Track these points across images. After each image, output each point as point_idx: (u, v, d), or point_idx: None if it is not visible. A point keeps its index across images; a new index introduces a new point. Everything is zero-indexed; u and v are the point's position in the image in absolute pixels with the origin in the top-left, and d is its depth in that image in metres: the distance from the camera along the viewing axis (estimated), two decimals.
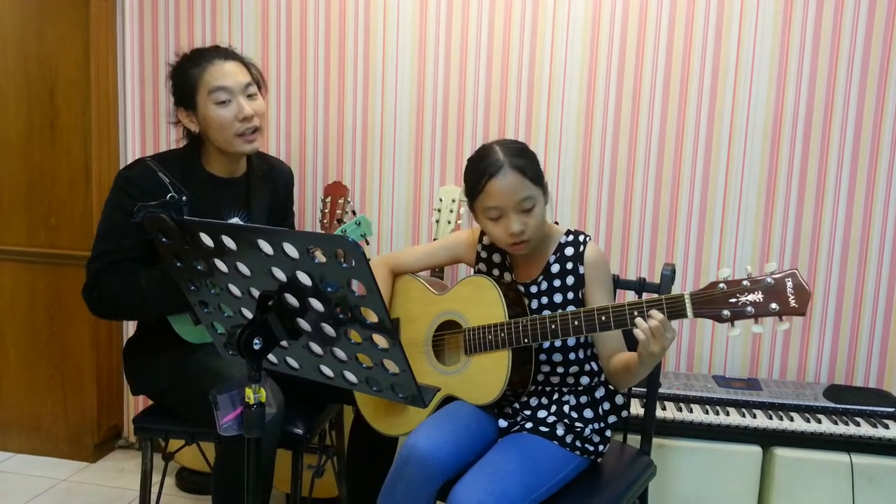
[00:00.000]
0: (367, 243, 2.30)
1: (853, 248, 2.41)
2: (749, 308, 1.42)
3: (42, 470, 2.78)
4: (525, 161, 1.66)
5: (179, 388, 1.90)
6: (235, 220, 1.99)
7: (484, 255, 1.85)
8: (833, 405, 2.21)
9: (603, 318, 1.57)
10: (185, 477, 2.65)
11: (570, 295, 1.73)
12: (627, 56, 2.43)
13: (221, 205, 1.98)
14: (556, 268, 1.74)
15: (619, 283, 1.96)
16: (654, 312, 1.48)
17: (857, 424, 2.14)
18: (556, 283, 1.74)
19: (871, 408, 2.20)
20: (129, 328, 2.86)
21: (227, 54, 1.94)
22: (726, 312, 1.43)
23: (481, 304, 1.73)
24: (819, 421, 2.16)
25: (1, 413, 2.90)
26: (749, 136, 2.41)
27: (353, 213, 2.46)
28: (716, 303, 1.44)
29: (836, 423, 2.15)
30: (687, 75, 2.41)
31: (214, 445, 2.25)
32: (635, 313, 1.52)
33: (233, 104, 1.89)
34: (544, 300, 1.74)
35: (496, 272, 1.84)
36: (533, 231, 1.68)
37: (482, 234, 1.84)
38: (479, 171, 1.67)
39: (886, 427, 2.13)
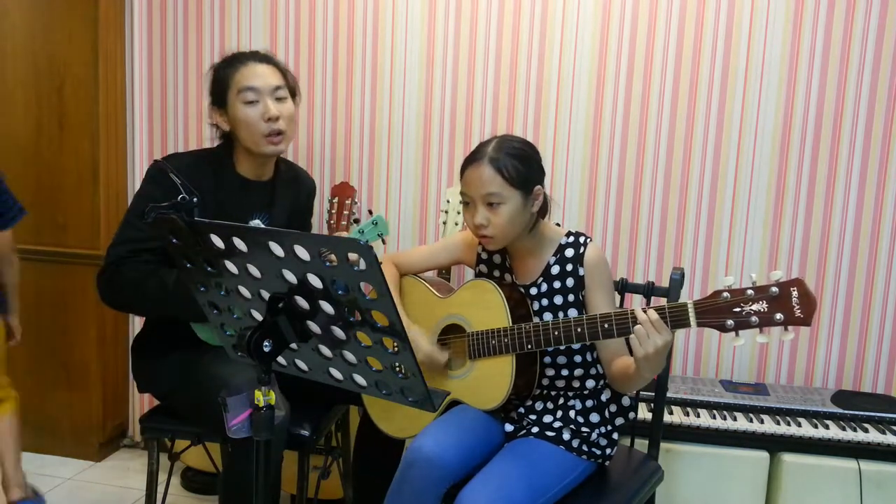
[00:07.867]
0: (385, 243, 2.30)
1: (862, 253, 2.40)
2: (753, 318, 1.39)
3: (47, 468, 2.79)
4: (510, 161, 1.65)
5: (186, 392, 1.89)
6: (257, 222, 2.01)
7: (484, 256, 1.85)
8: (841, 411, 2.20)
9: (606, 325, 1.56)
10: (191, 477, 2.65)
11: (571, 297, 1.72)
12: (636, 60, 2.43)
13: (248, 206, 2.00)
14: (556, 269, 1.73)
15: (626, 287, 1.96)
16: (650, 311, 1.48)
17: (866, 431, 2.13)
18: (556, 284, 1.73)
19: (879, 414, 2.19)
20: (136, 326, 2.86)
21: (262, 58, 1.97)
22: (730, 322, 1.41)
23: (484, 308, 1.72)
24: (827, 427, 2.15)
25: None
26: (758, 141, 2.40)
27: (370, 212, 2.45)
28: (719, 312, 1.42)
29: (844, 429, 2.14)
30: (696, 80, 2.40)
31: (220, 447, 2.26)
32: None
33: (259, 105, 1.92)
34: (545, 302, 1.74)
35: (497, 273, 1.83)
36: (498, 230, 1.67)
37: None
38: (468, 156, 1.70)
39: (895, 433, 2.12)
